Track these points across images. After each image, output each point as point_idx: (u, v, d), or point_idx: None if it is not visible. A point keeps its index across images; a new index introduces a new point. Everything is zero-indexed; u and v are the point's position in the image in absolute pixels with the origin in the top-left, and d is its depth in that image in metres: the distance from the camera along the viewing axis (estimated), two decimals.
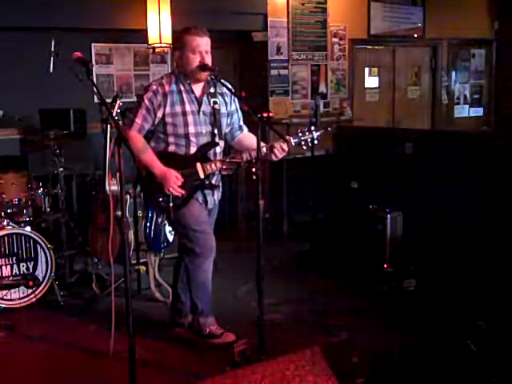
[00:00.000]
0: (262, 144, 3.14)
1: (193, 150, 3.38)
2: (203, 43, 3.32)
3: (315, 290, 4.48)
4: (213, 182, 3.47)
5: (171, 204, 3.35)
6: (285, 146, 3.29)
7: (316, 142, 3.41)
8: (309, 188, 5.45)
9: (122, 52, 5.89)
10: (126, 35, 5.71)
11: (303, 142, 3.36)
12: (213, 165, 3.38)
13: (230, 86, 3.35)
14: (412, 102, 7.66)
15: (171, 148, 3.39)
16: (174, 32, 3.52)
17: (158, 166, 3.32)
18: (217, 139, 3.44)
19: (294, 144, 3.33)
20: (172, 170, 3.30)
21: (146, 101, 3.33)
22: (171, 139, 3.38)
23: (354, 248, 4.88)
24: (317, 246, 5.28)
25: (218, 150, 3.47)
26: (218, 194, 3.57)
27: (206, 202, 3.48)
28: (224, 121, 3.50)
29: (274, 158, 3.33)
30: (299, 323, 3.88)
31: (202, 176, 3.38)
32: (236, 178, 6.03)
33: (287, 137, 3.31)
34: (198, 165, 3.37)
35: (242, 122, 3.64)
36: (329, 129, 3.67)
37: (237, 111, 3.59)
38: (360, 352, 3.29)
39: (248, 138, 3.59)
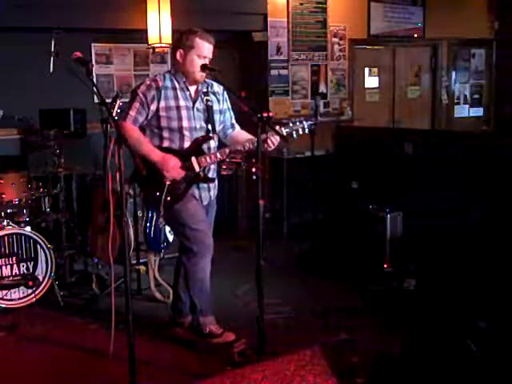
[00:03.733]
0: (253, 137, 3.22)
1: (187, 144, 3.41)
2: (210, 50, 3.38)
3: (315, 290, 4.48)
4: (209, 175, 3.48)
5: (168, 198, 3.35)
6: (276, 137, 3.32)
7: (307, 131, 3.44)
8: (309, 188, 5.44)
9: (122, 52, 5.90)
10: (126, 35, 5.71)
11: (294, 132, 3.39)
12: (208, 158, 3.39)
13: (222, 86, 3.49)
14: (412, 102, 7.65)
15: (165, 143, 3.41)
16: (179, 30, 3.54)
17: (155, 153, 3.34)
18: (211, 134, 3.47)
19: (285, 134, 3.34)
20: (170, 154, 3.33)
21: (140, 94, 3.36)
22: (165, 134, 3.40)
23: (353, 248, 4.87)
24: (316, 246, 5.28)
25: (213, 144, 3.50)
26: (214, 191, 3.58)
27: (201, 198, 3.49)
28: (217, 117, 3.55)
29: (268, 149, 3.35)
30: (299, 323, 3.89)
31: (197, 169, 3.39)
32: (236, 178, 6.03)
33: (277, 127, 3.30)
34: (193, 158, 3.38)
35: (233, 121, 3.71)
36: (318, 117, 3.70)
37: (228, 110, 3.67)
38: (360, 352, 3.30)
39: (240, 134, 3.66)
